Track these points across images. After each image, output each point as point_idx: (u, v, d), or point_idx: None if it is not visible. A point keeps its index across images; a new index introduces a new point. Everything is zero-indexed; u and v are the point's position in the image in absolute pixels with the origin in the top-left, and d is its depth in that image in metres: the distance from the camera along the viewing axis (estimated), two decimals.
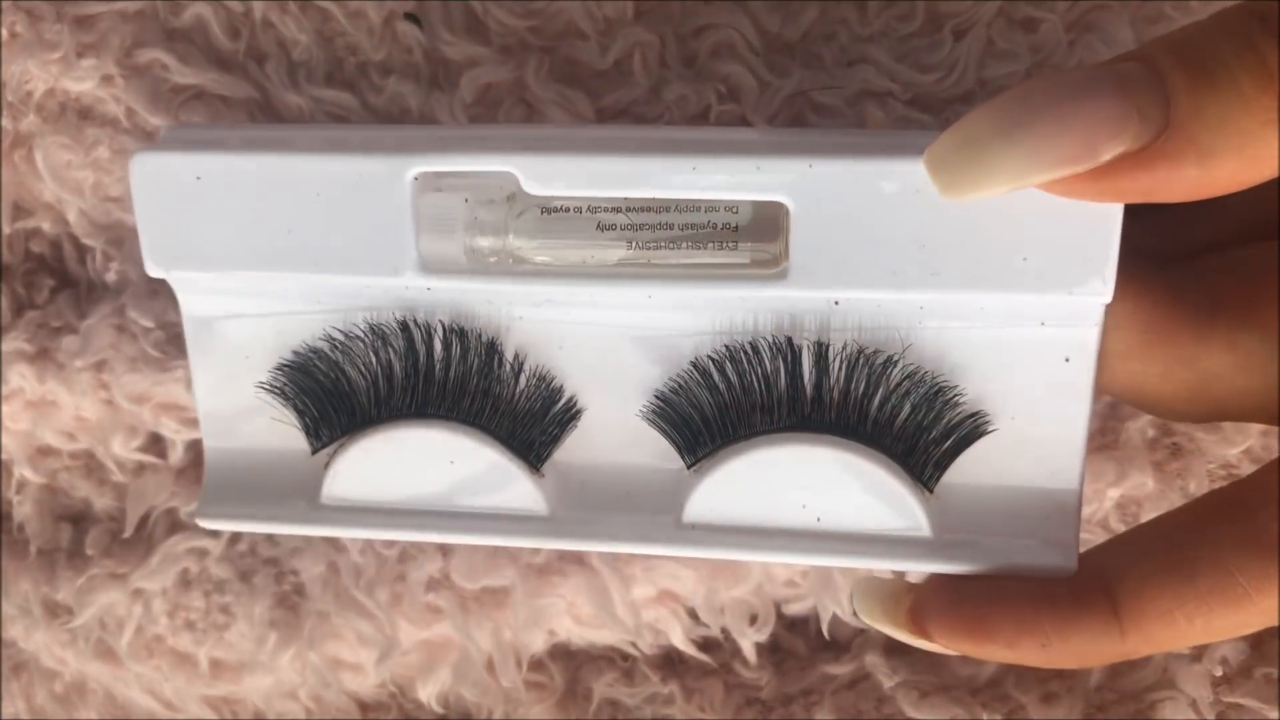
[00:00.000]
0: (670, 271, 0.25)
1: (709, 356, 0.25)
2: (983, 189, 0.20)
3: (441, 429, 0.25)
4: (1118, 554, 0.23)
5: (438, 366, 0.26)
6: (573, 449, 0.26)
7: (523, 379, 0.26)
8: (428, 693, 0.33)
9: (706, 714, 0.33)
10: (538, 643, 0.33)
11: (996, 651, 0.23)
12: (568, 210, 0.25)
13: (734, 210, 0.24)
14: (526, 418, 0.26)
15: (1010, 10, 0.30)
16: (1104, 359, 0.23)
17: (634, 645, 0.33)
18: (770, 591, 0.32)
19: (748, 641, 0.32)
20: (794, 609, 0.33)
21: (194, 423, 0.33)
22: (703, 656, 0.33)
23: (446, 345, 0.26)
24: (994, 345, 0.24)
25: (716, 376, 0.25)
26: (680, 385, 0.25)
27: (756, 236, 0.24)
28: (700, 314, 0.25)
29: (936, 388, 0.24)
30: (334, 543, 0.33)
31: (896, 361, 0.24)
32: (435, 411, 0.26)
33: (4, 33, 0.31)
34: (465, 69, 0.31)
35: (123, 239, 0.32)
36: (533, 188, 0.24)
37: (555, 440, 0.26)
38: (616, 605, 0.32)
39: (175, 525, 0.34)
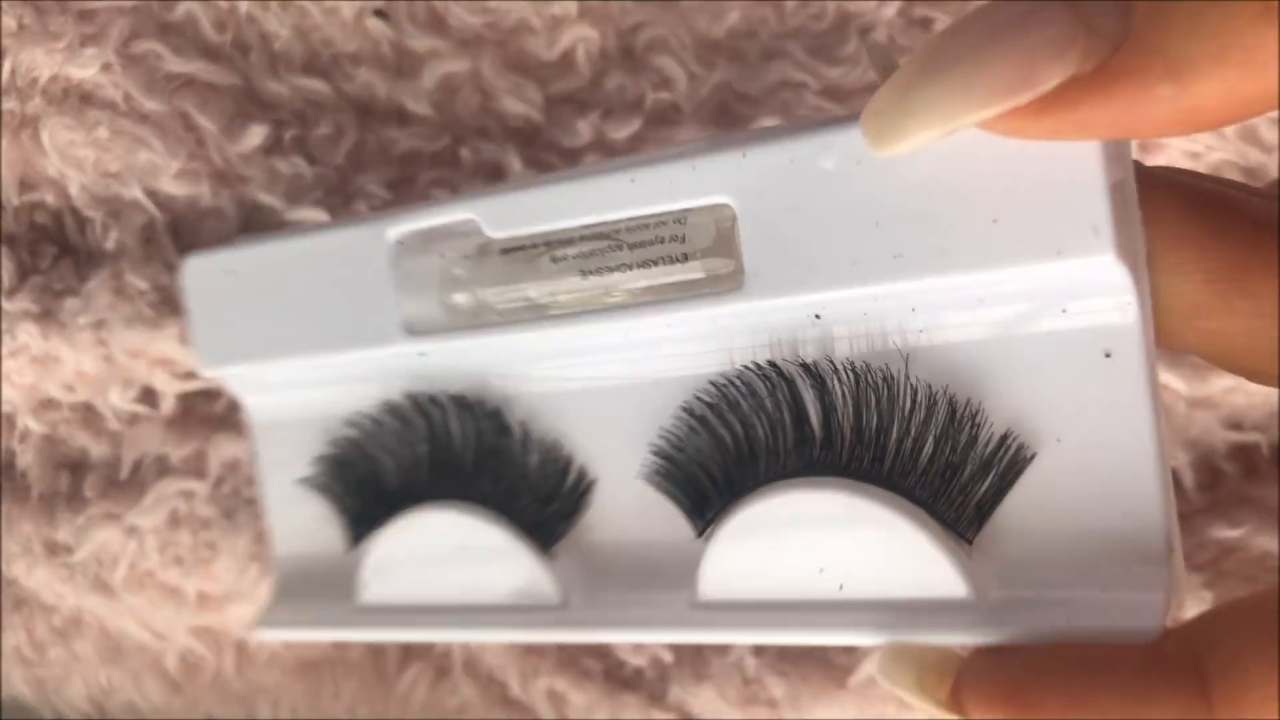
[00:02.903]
0: (628, 299, 0.23)
1: (698, 398, 0.22)
2: (911, 135, 0.17)
3: (451, 510, 0.25)
4: (1210, 622, 0.18)
5: (456, 443, 0.25)
6: (587, 525, 0.24)
7: (534, 452, 0.24)
8: None
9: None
10: None
11: None
12: (524, 249, 0.24)
13: (681, 222, 0.22)
14: (542, 495, 0.25)
15: (909, 10, 0.34)
16: (1169, 321, 0.19)
17: None
18: None
19: None
20: None
21: (184, 376, 0.36)
22: None
23: (459, 419, 0.25)
24: (1012, 346, 0.20)
25: (713, 421, 0.22)
26: (677, 437, 0.23)
27: (710, 252, 0.22)
28: (680, 349, 0.23)
29: (953, 409, 0.20)
30: None
31: (895, 378, 0.20)
32: (457, 493, 0.25)
33: (13, 24, 0.35)
34: (427, 60, 0.35)
35: (120, 211, 0.36)
36: (493, 230, 0.23)
37: (570, 517, 0.24)
38: None
39: (165, 470, 0.37)
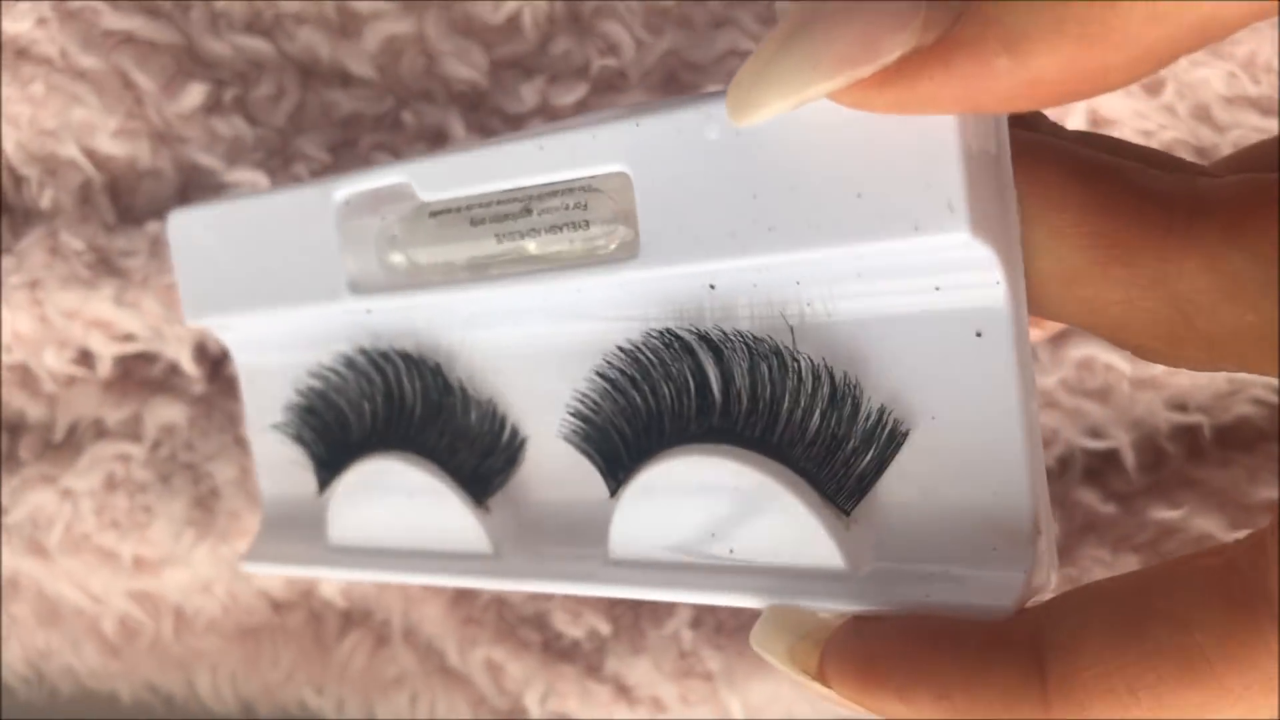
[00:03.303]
0: (539, 265, 0.23)
1: (609, 363, 0.23)
2: (764, 106, 0.17)
3: (399, 460, 0.26)
4: (1058, 603, 0.18)
5: (406, 398, 0.26)
6: (519, 480, 0.25)
7: (472, 409, 0.26)
8: (332, 587, 0.37)
9: (580, 609, 0.36)
10: None
11: (888, 702, 0.18)
12: (450, 212, 0.24)
13: (586, 190, 0.22)
14: (479, 450, 0.26)
15: None
16: (1047, 288, 0.18)
17: None
18: None
19: None
20: None
21: (122, 338, 0.36)
22: None
23: (408, 376, 0.26)
24: (890, 323, 0.20)
25: (623, 385, 0.23)
26: (592, 400, 0.24)
27: (612, 220, 0.22)
28: (597, 315, 0.23)
29: (833, 385, 0.20)
30: (245, 448, 0.36)
31: (781, 352, 0.21)
32: (406, 444, 0.26)
33: None
34: (370, 20, 0.34)
35: (55, 169, 0.36)
36: (424, 193, 0.24)
37: (503, 473, 0.25)
38: None
39: (102, 432, 0.37)
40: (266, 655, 0.39)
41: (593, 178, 0.22)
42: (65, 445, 0.37)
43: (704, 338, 0.22)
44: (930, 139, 0.17)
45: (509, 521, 0.25)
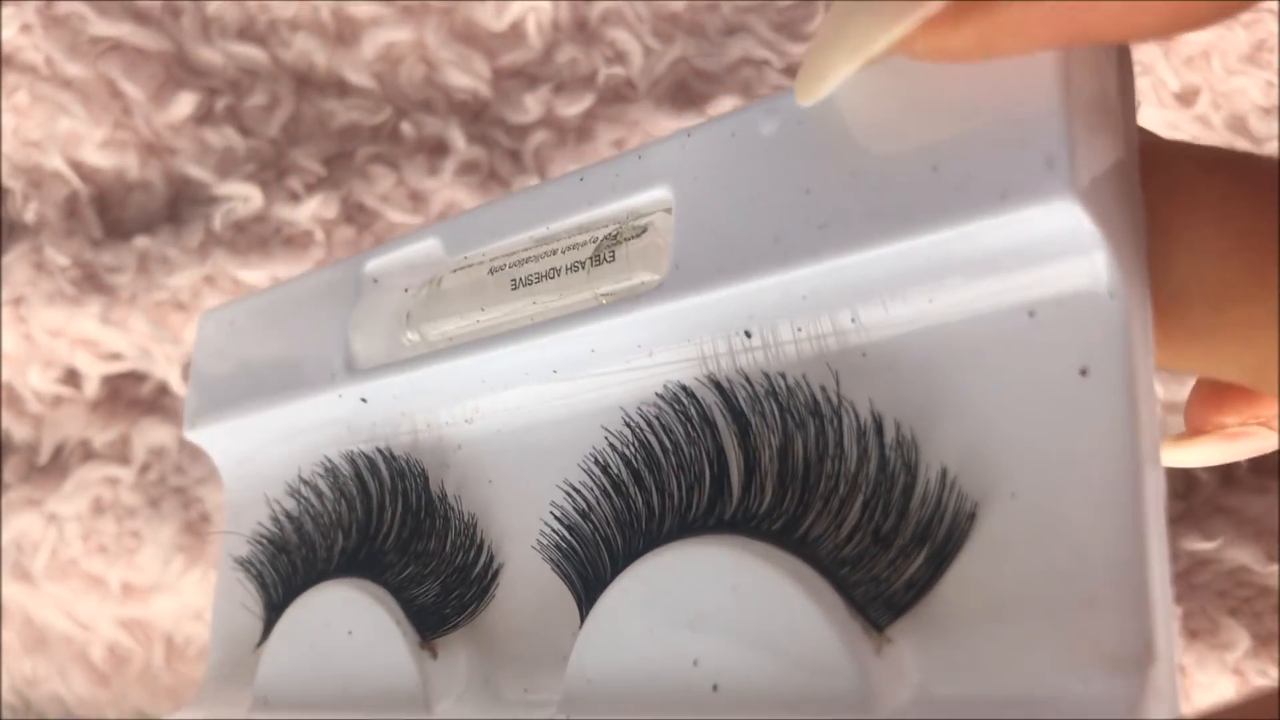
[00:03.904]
0: (551, 313, 0.20)
1: (611, 445, 0.19)
2: (829, 70, 0.15)
3: (347, 589, 0.22)
4: None
5: (386, 522, 0.22)
6: (487, 615, 0.21)
7: (451, 531, 0.21)
8: None
9: None
10: None
11: None
12: (468, 268, 0.22)
13: (614, 236, 0.20)
14: (449, 583, 0.21)
15: None
16: (1185, 322, 0.14)
17: None
18: None
19: None
20: None
21: (109, 357, 0.35)
22: None
23: (393, 492, 0.22)
24: (963, 357, 0.15)
25: (624, 478, 0.18)
26: (585, 500, 0.19)
27: (638, 262, 0.19)
28: (605, 372, 0.19)
29: (883, 453, 0.16)
30: None
31: (821, 410, 0.16)
32: (365, 571, 0.22)
33: None
34: (368, 27, 0.33)
35: (41, 181, 0.34)
36: (451, 251, 0.21)
37: (467, 609, 0.21)
38: None
39: (89, 454, 0.36)
40: None
41: (630, 212, 0.19)
42: (51, 467, 0.36)
43: (729, 399, 0.18)
44: (1023, 82, 0.14)
45: (460, 665, 0.21)
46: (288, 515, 0.24)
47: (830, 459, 0.16)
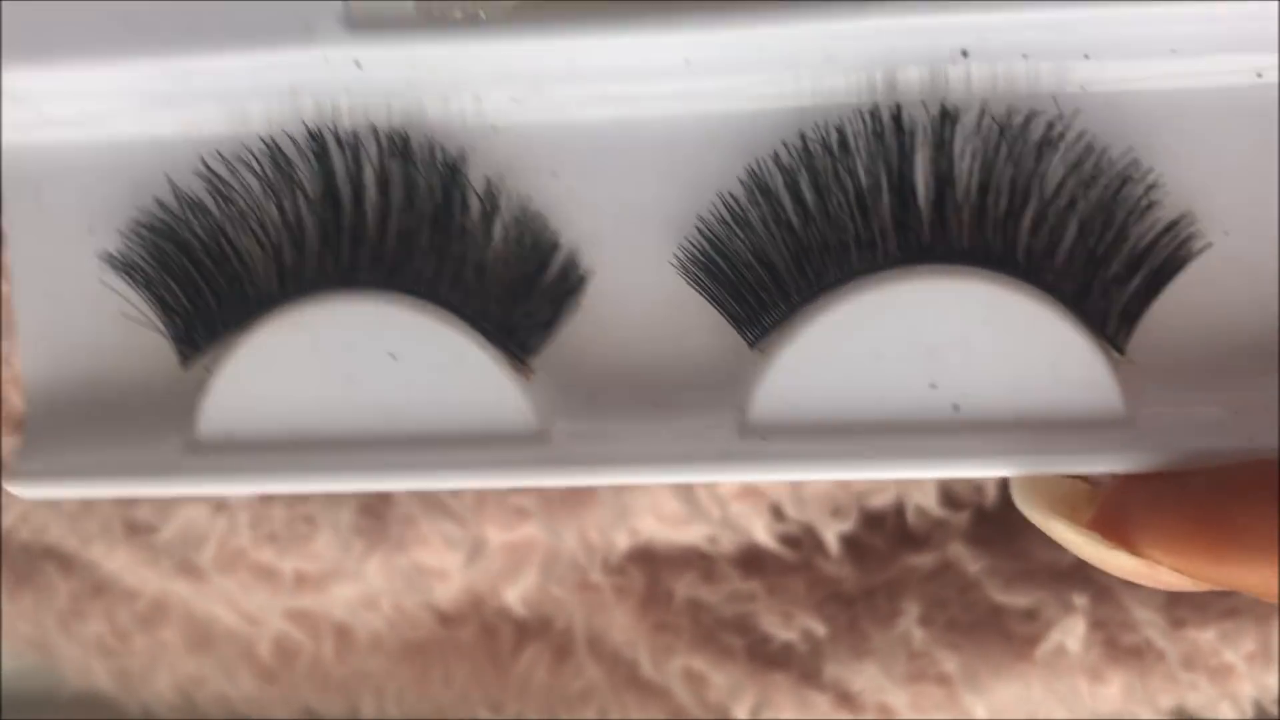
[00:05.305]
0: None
1: (773, 162, 0.17)
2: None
3: (374, 302, 0.17)
4: None
5: (371, 212, 0.18)
6: (576, 333, 0.18)
7: (498, 227, 0.18)
8: (514, 594, 0.34)
9: (789, 609, 0.33)
10: (622, 541, 0.33)
11: (1242, 568, 0.15)
12: None
13: None
14: (506, 289, 0.18)
15: None
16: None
17: (714, 542, 0.33)
18: (854, 484, 0.33)
19: (831, 534, 0.32)
20: (874, 502, 0.33)
21: None
22: (785, 551, 0.33)
23: (384, 174, 0.18)
24: (1191, 113, 0.16)
25: (784, 195, 0.17)
26: (733, 217, 0.17)
27: None
28: (745, 78, 0.17)
29: (1123, 180, 0.16)
30: None
31: (1060, 136, 0.17)
32: (367, 280, 0.18)
33: None
34: None
35: None
36: None
37: (549, 323, 0.18)
38: (702, 499, 0.32)
39: None
40: (437, 673, 0.36)
41: None
42: None
43: (936, 117, 0.17)
44: None
45: (565, 389, 0.18)
46: (185, 201, 0.18)
47: (1049, 178, 0.17)
